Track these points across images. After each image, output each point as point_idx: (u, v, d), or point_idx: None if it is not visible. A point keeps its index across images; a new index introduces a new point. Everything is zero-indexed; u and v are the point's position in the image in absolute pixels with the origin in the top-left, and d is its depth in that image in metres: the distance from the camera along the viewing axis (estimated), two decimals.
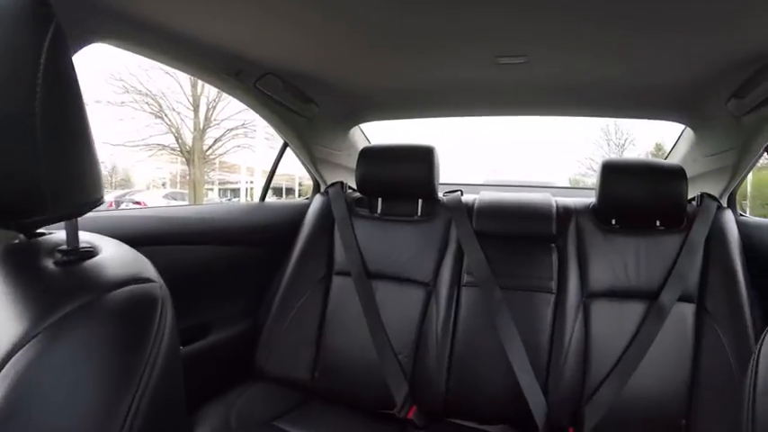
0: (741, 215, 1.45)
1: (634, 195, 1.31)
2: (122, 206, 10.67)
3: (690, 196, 1.34)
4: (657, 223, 1.34)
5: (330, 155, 1.74)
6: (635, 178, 1.33)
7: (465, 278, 1.38)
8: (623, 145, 12.76)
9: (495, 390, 1.29)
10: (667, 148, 1.80)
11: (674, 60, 1.16)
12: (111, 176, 15.44)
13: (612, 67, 1.23)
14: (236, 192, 14.87)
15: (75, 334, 0.40)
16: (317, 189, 1.79)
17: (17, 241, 0.53)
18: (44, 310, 0.40)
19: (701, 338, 1.22)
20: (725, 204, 1.45)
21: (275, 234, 1.57)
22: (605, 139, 12.78)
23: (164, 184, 15.42)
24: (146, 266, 0.52)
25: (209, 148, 12.38)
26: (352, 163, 1.52)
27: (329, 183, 1.66)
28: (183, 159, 12.59)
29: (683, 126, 1.59)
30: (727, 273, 1.24)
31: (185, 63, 1.22)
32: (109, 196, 12.00)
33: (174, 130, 12.11)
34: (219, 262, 1.41)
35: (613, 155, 12.68)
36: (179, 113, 12.10)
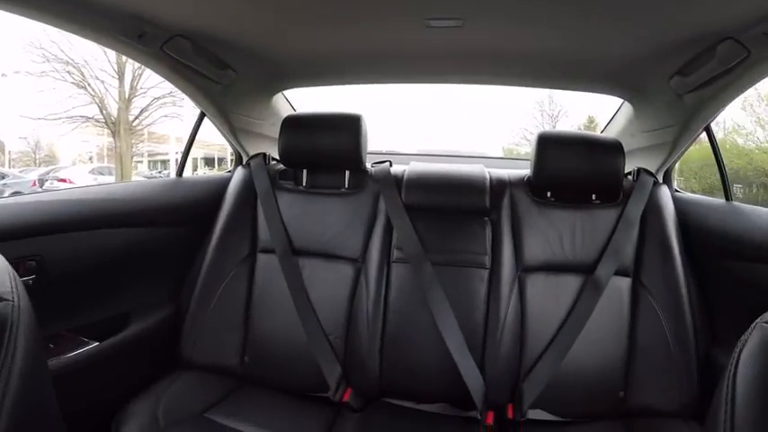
0: (677, 191, 1.47)
1: (570, 168, 1.30)
2: (46, 185, 10.10)
3: (626, 171, 1.34)
4: (593, 197, 1.34)
5: (251, 124, 1.62)
6: (572, 151, 1.31)
7: (395, 254, 1.33)
8: (556, 116, 13.21)
9: (430, 368, 1.27)
10: (600, 121, 1.81)
11: (618, 35, 1.13)
12: (34, 153, 14.60)
13: (553, 37, 1.18)
14: (166, 164, 14.28)
15: None
16: (238, 161, 1.67)
17: None
18: None
19: (638, 312, 1.25)
20: (661, 180, 1.47)
21: (195, 211, 1.45)
22: (539, 110, 13.17)
23: (90, 159, 14.62)
24: None
25: (136, 118, 11.76)
26: (276, 133, 1.42)
27: (251, 154, 1.55)
28: (111, 132, 11.82)
29: (620, 100, 1.58)
30: (662, 247, 1.26)
31: (78, 24, 1.06)
32: (32, 174, 11.42)
33: (97, 100, 11.41)
34: (135, 246, 1.29)
35: (547, 126, 13.07)
36: (103, 82, 11.42)
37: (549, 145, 1.32)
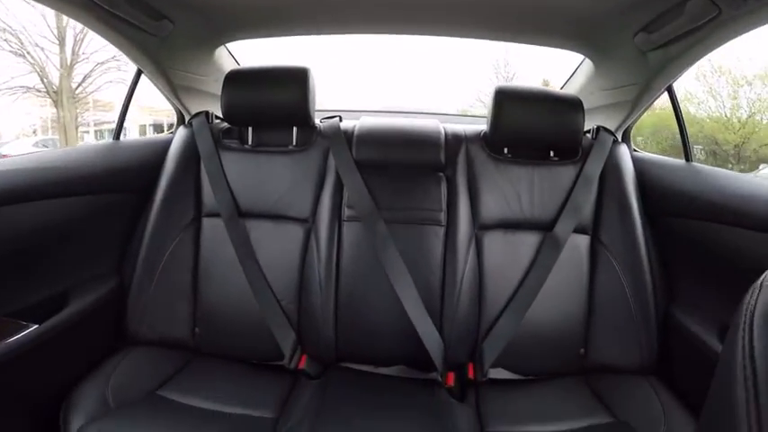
0: (635, 151, 1.46)
1: (528, 124, 1.27)
2: None
3: (585, 129, 1.31)
4: (551, 154, 1.31)
5: (192, 80, 1.50)
6: (530, 106, 1.28)
7: (346, 212, 1.28)
8: (511, 79, 13.27)
9: (387, 331, 1.24)
10: (554, 84, 1.77)
11: None
12: None
13: None
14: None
15: None
16: (180, 121, 1.55)
17: None
18: None
19: (597, 270, 1.25)
20: (620, 139, 1.45)
21: (135, 176, 1.34)
22: (494, 72, 13.17)
23: (34, 132, 13.71)
24: None
25: (79, 85, 11.04)
26: (220, 89, 1.31)
27: (194, 113, 1.44)
28: (53, 101, 11.09)
29: (579, 58, 1.54)
30: (621, 206, 1.26)
31: None
32: None
33: (38, 68, 10.61)
34: (71, 217, 1.17)
35: None
36: (43, 49, 10.55)
37: (506, 100, 1.28)
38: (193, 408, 1.04)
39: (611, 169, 1.29)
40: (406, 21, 1.43)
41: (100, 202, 1.25)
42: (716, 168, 1.28)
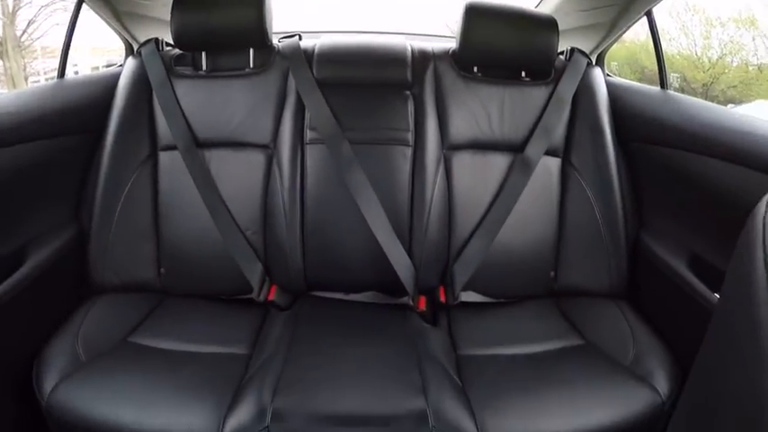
0: (608, 75, 1.42)
1: (500, 42, 1.22)
2: None
3: (559, 50, 1.27)
4: (523, 74, 1.27)
5: (138, 6, 1.38)
6: (502, 24, 1.23)
7: (308, 135, 1.23)
8: None
9: (356, 256, 1.22)
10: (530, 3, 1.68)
11: None
12: None
13: None
14: None
15: None
16: (129, 51, 1.44)
17: None
18: None
19: (567, 192, 1.24)
20: (594, 62, 1.41)
21: (83, 115, 1.24)
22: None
23: None
24: None
25: (24, 32, 10.23)
26: (168, 14, 1.22)
27: (142, 41, 1.34)
28: None
29: None
30: (593, 129, 1.23)
31: None
32: None
33: None
34: (18, 166, 1.07)
35: None
36: None
37: (477, 16, 1.22)
38: (166, 351, 1.02)
39: (585, 91, 1.26)
40: None
41: (48, 147, 1.15)
42: (690, 97, 1.27)
